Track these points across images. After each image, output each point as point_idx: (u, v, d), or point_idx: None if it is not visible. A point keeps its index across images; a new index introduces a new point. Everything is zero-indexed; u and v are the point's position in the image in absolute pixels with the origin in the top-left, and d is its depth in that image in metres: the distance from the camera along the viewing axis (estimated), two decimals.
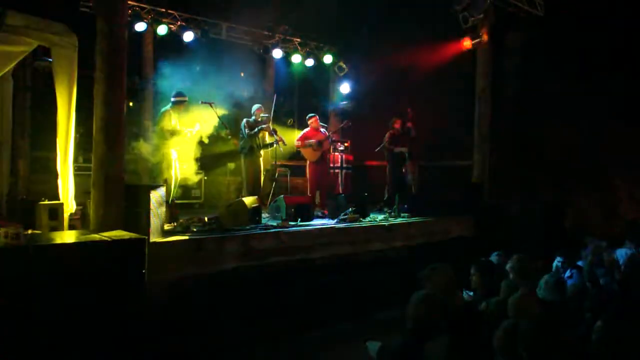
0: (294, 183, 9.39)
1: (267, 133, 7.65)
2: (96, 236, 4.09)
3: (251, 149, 7.46)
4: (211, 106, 7.16)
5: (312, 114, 8.28)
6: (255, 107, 7.73)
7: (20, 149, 7.61)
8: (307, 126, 8.27)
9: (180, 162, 7.40)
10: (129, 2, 7.29)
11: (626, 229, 6.49)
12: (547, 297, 3.50)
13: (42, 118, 7.26)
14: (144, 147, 7.28)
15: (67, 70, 4.96)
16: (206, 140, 7.34)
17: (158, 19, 8.28)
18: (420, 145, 8.78)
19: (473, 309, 3.41)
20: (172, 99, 7.08)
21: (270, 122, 7.78)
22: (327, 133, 8.23)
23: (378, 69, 9.83)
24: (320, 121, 8.38)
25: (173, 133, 6.92)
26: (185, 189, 8.20)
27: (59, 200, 5.22)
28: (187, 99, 7.15)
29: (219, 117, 7.28)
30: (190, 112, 7.27)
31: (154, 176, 7.15)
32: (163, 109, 7.12)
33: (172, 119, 6.94)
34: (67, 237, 4.39)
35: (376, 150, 8.80)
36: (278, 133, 7.74)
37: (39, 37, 4.81)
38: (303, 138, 8.03)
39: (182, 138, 6.97)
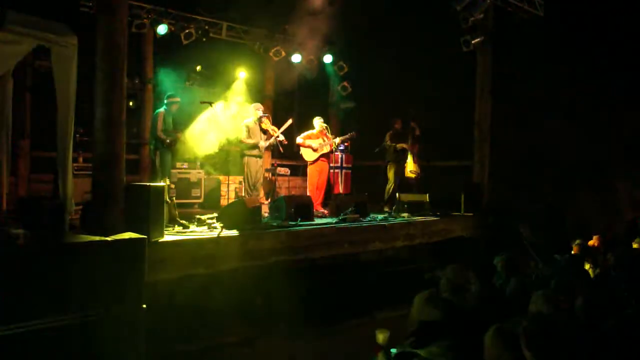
0: (294, 183, 9.39)
1: (268, 132, 7.65)
2: (96, 236, 4.09)
3: (252, 149, 7.45)
4: (211, 105, 7.18)
5: (320, 117, 8.32)
6: (254, 105, 7.74)
7: (20, 149, 7.62)
8: (309, 126, 8.32)
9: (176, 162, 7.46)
10: (129, 2, 7.29)
11: (626, 229, 6.49)
12: None
13: (42, 118, 7.27)
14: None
15: (67, 70, 4.95)
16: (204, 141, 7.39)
17: (158, 19, 8.28)
18: (421, 145, 8.79)
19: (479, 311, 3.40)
20: (165, 101, 7.16)
21: (270, 121, 7.79)
22: (331, 137, 8.21)
23: (378, 69, 9.84)
24: (318, 119, 8.40)
25: (168, 134, 6.99)
26: (185, 189, 8.22)
27: (58, 200, 5.21)
28: (179, 100, 7.22)
29: (218, 116, 7.30)
30: (184, 113, 7.33)
31: (152, 175, 7.20)
32: (157, 111, 7.18)
33: (166, 120, 7.01)
34: (67, 237, 4.39)
35: (376, 150, 8.80)
36: (278, 131, 7.74)
37: (39, 37, 4.80)
38: (306, 138, 8.06)
39: (176, 139, 7.06)
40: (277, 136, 7.58)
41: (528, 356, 2.35)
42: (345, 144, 9.96)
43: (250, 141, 7.35)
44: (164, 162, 7.09)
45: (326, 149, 8.07)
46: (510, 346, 2.39)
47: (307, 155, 8.06)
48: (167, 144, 7.05)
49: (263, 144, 7.45)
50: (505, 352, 2.38)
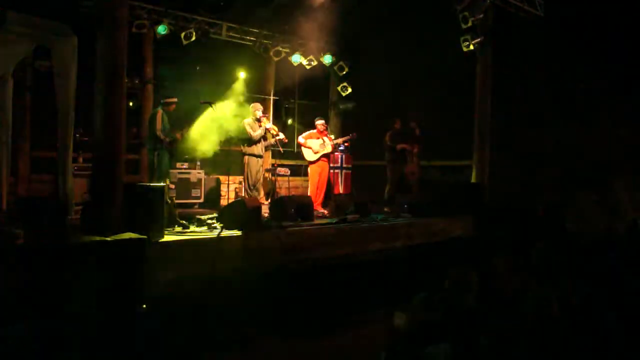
0: (294, 183, 9.40)
1: (269, 133, 7.67)
2: (96, 236, 4.10)
3: (253, 149, 7.46)
4: (211, 106, 7.18)
5: (321, 118, 8.36)
6: (254, 105, 7.75)
7: (20, 149, 7.62)
8: (311, 126, 8.35)
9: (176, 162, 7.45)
10: (129, 2, 7.30)
11: (626, 229, 6.49)
12: None
13: (42, 118, 7.27)
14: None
15: (67, 70, 4.97)
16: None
17: (158, 19, 8.28)
18: (421, 145, 8.80)
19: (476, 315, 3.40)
20: (162, 101, 7.16)
21: (271, 121, 7.82)
22: (332, 137, 8.29)
23: (378, 69, 9.84)
24: (319, 120, 8.43)
25: (166, 134, 6.98)
26: (185, 188, 8.23)
27: (59, 200, 5.22)
28: (176, 99, 7.21)
29: (218, 116, 7.30)
30: (184, 113, 7.32)
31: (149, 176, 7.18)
32: (154, 111, 7.18)
33: (163, 121, 6.99)
34: (67, 237, 4.40)
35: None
36: (278, 131, 7.76)
37: (39, 37, 4.82)
38: (307, 137, 8.10)
39: (175, 139, 7.04)
40: (277, 134, 7.60)
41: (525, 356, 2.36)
42: (346, 144, 9.98)
43: (257, 132, 7.37)
44: (162, 162, 7.08)
45: (327, 149, 8.12)
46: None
47: (308, 155, 8.09)
48: (167, 144, 7.05)
49: (269, 125, 7.49)
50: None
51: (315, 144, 8.08)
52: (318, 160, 8.10)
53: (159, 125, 6.92)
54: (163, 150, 7.05)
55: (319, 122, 8.24)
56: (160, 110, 7.08)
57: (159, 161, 7.02)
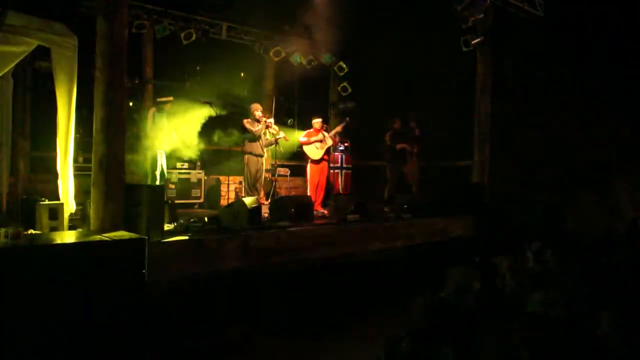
0: (294, 183, 9.39)
1: (268, 132, 7.67)
2: (96, 236, 4.10)
3: (253, 148, 7.46)
4: (211, 106, 7.18)
5: (318, 117, 8.37)
6: (254, 105, 7.75)
7: (20, 149, 7.62)
8: (309, 126, 8.36)
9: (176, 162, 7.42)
10: (129, 2, 7.29)
11: (626, 229, 6.49)
12: None
13: (42, 118, 7.26)
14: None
15: (67, 70, 4.96)
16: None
17: (158, 19, 8.28)
18: (421, 145, 8.80)
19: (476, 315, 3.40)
20: (157, 100, 7.17)
21: (272, 121, 7.82)
22: (330, 135, 8.32)
23: (378, 69, 9.84)
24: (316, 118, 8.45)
25: (159, 133, 6.97)
26: (185, 188, 8.22)
27: (59, 200, 5.22)
28: (171, 99, 7.21)
29: (218, 116, 7.31)
30: (184, 113, 7.32)
31: (143, 176, 7.18)
32: (147, 110, 7.19)
33: (156, 119, 6.99)
34: (67, 237, 4.39)
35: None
36: (278, 130, 7.76)
37: (39, 37, 4.81)
38: (308, 135, 8.11)
39: (167, 139, 7.04)
40: (278, 134, 7.60)
41: (525, 357, 2.36)
42: (346, 144, 9.97)
43: (258, 127, 7.35)
44: (155, 161, 7.08)
45: (328, 142, 8.13)
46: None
47: (312, 153, 8.07)
48: (158, 144, 7.04)
49: (271, 120, 7.49)
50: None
51: (318, 141, 8.09)
52: (321, 158, 8.10)
53: (148, 124, 6.95)
54: (154, 149, 7.05)
55: (316, 121, 8.24)
56: (152, 109, 7.10)
57: (151, 160, 7.03)
